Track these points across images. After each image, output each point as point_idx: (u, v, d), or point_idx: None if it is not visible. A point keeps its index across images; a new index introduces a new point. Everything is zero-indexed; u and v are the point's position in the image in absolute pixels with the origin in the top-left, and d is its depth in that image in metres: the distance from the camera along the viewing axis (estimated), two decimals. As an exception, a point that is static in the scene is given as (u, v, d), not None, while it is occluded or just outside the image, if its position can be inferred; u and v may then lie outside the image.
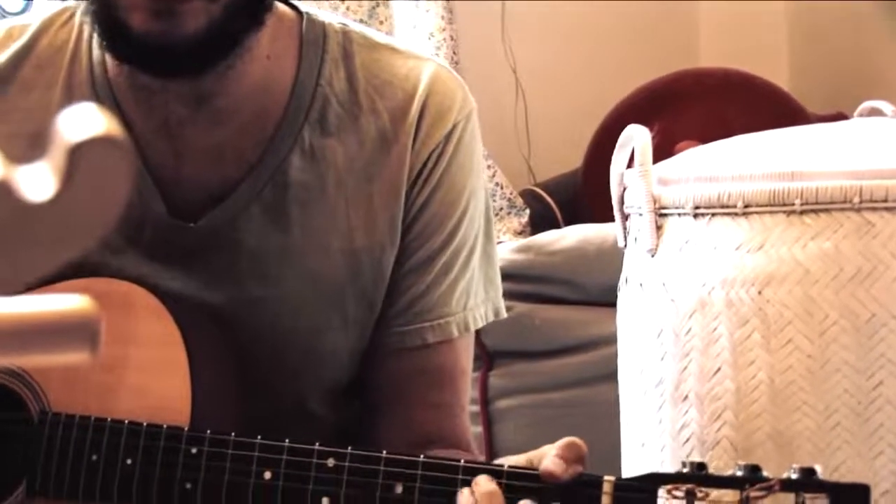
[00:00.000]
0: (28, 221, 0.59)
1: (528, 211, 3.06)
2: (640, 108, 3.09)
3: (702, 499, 1.01)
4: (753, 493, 0.99)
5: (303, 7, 1.36)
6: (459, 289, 1.37)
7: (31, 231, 0.59)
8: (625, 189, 1.64)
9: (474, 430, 2.43)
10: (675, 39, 3.72)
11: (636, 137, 1.57)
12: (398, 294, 1.35)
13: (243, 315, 1.31)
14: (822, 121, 2.54)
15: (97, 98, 1.30)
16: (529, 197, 3.13)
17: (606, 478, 1.08)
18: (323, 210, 1.32)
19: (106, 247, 1.30)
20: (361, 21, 3.07)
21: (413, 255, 1.34)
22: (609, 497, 1.08)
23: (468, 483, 1.11)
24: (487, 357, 2.51)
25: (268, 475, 1.17)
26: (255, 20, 1.25)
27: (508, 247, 2.49)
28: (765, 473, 1.01)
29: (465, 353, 1.39)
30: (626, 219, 1.65)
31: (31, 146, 0.65)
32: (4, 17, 2.94)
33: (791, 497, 0.99)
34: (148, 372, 1.24)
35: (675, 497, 1.02)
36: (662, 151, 1.69)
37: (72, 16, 1.35)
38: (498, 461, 1.13)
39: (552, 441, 1.15)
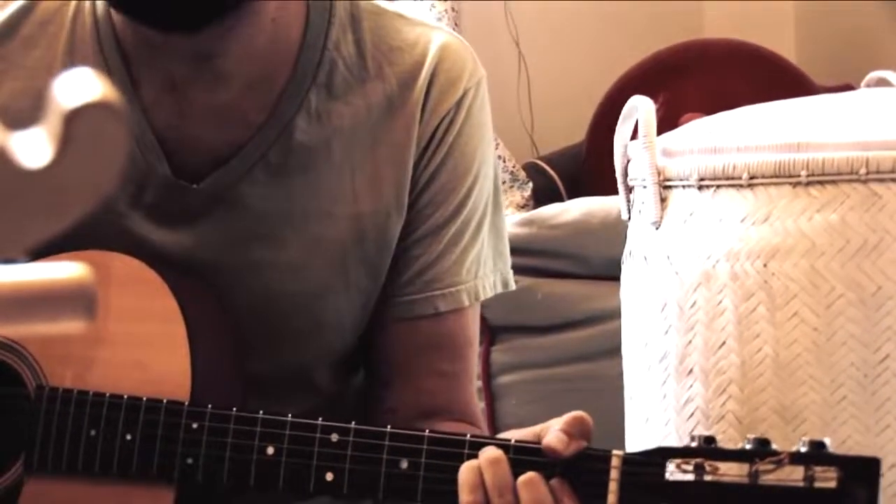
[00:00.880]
0: (24, 188, 0.59)
1: (530, 184, 3.06)
2: (644, 80, 3.09)
3: (710, 472, 1.01)
4: (762, 467, 1.00)
5: (309, -27, 1.37)
6: (470, 258, 1.37)
7: (27, 197, 0.60)
8: (628, 161, 1.64)
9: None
10: (680, 10, 3.72)
11: (640, 108, 1.57)
12: (408, 263, 1.36)
13: (246, 278, 1.32)
14: (829, 92, 2.54)
15: (102, 53, 1.31)
16: (532, 170, 3.13)
17: (615, 452, 1.09)
18: (328, 174, 1.32)
19: (108, 208, 1.30)
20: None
21: (423, 223, 1.35)
22: (617, 471, 1.08)
23: (474, 458, 1.12)
24: (489, 332, 2.51)
25: (270, 450, 1.18)
26: None
27: (511, 220, 2.49)
28: (773, 447, 1.01)
29: (474, 324, 1.40)
30: (630, 191, 1.65)
31: (37, 103, 0.65)
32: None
33: (800, 470, 0.99)
34: (147, 347, 1.24)
35: (684, 471, 1.03)
36: (667, 124, 1.70)
37: None
38: (504, 435, 1.14)
39: (555, 417, 1.16)
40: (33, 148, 0.60)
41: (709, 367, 1.52)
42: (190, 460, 1.20)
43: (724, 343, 1.51)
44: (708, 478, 1.02)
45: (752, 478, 1.00)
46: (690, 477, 1.02)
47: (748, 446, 1.02)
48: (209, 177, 1.31)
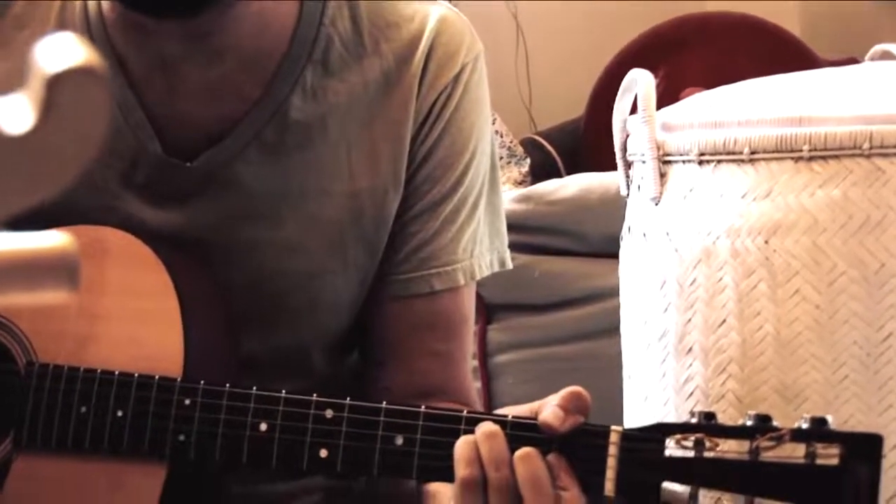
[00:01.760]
0: (6, 154, 0.60)
1: (528, 160, 3.06)
2: (644, 54, 3.09)
3: (710, 449, 1.02)
4: (763, 444, 1.00)
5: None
6: (466, 236, 1.38)
7: (9, 164, 0.60)
8: (628, 136, 1.64)
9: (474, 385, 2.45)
10: (681, -18, 3.72)
11: (640, 82, 1.58)
12: (403, 240, 1.36)
13: (240, 258, 1.32)
14: (832, 66, 2.54)
15: (90, 34, 1.31)
16: (530, 145, 3.14)
17: (613, 428, 1.10)
18: (323, 152, 1.33)
19: (99, 188, 1.31)
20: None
21: (419, 200, 1.36)
22: (616, 447, 1.09)
23: (471, 434, 1.12)
24: (486, 310, 2.52)
25: (264, 427, 1.19)
26: None
27: (508, 196, 2.49)
28: (774, 423, 1.02)
29: (469, 303, 1.41)
30: (629, 166, 1.66)
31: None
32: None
33: (801, 447, 1.00)
34: (139, 322, 1.25)
35: (684, 447, 1.03)
36: (667, 98, 1.70)
37: None
38: (501, 411, 1.14)
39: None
40: (15, 114, 0.60)
41: (709, 346, 1.52)
42: (182, 437, 1.20)
43: (724, 321, 1.52)
44: (708, 454, 1.03)
45: (752, 454, 1.01)
46: (690, 453, 1.03)
47: (749, 423, 1.02)
48: (202, 155, 1.32)
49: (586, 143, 3.10)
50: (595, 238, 2.42)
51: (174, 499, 1.22)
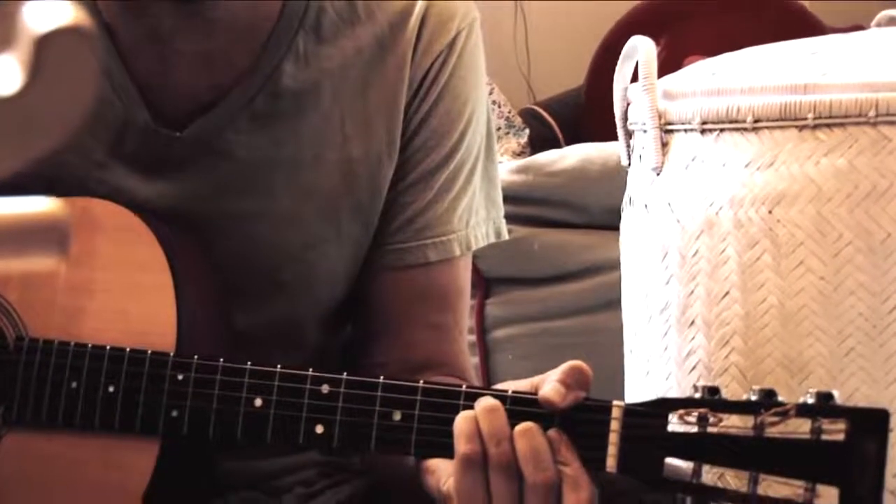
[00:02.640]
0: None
1: (527, 131, 3.06)
2: (645, 22, 3.09)
3: (714, 424, 1.02)
4: (768, 419, 1.00)
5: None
6: (461, 206, 1.38)
7: None
8: (628, 104, 1.64)
9: (471, 361, 2.45)
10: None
11: (641, 49, 1.57)
12: (398, 210, 1.37)
13: (232, 229, 1.32)
14: (838, 33, 2.54)
15: (77, 2, 1.31)
16: (529, 116, 3.13)
17: (615, 403, 1.10)
18: (316, 120, 1.33)
19: (88, 159, 1.31)
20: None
21: (413, 169, 1.36)
22: (618, 423, 1.09)
23: (469, 410, 1.13)
24: (484, 284, 2.52)
25: (258, 402, 1.19)
26: None
27: (506, 167, 2.49)
28: (779, 398, 1.02)
29: (465, 275, 1.41)
30: (630, 136, 1.66)
31: None
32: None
33: (807, 422, 1.00)
34: (131, 296, 1.25)
35: (687, 423, 1.03)
36: (669, 68, 1.70)
37: None
38: (500, 386, 1.14)
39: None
40: (4, 75, 0.60)
41: (711, 319, 1.53)
42: (175, 413, 1.20)
43: (727, 293, 1.52)
44: (712, 430, 1.02)
45: (757, 430, 1.01)
46: (693, 429, 1.03)
47: (753, 397, 1.02)
48: (193, 124, 1.32)
49: (586, 113, 3.10)
50: (595, 209, 2.42)
51: (167, 476, 1.22)
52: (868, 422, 1.01)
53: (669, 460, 1.05)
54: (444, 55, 1.36)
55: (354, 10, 1.34)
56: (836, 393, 1.01)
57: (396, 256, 1.37)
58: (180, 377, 1.20)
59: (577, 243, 2.46)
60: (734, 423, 1.02)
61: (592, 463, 1.09)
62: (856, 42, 1.62)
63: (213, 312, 1.29)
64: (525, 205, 2.46)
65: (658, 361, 1.59)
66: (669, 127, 1.57)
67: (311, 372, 1.18)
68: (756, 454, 1.01)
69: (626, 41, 1.63)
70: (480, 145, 1.40)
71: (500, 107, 3.02)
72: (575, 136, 2.95)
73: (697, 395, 1.04)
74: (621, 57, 1.64)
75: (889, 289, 1.46)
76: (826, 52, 1.58)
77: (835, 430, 0.99)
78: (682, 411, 1.03)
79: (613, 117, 1.67)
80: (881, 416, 1.01)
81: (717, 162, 1.52)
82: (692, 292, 1.54)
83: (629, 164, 1.66)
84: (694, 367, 1.55)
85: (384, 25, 1.34)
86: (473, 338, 2.48)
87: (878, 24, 1.73)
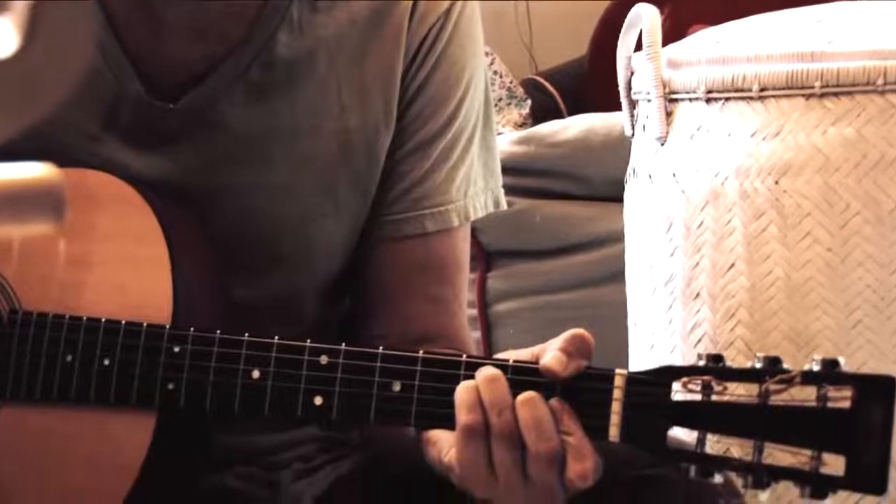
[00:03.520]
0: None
1: (529, 101, 3.05)
2: (649, -10, 3.08)
3: (718, 393, 1.02)
4: (773, 386, 1.00)
5: None
6: (459, 176, 1.38)
7: None
8: (632, 74, 1.64)
9: (472, 336, 2.45)
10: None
11: (644, 17, 1.57)
12: (395, 180, 1.37)
13: (228, 202, 1.32)
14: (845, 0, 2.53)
15: None
16: (531, 86, 3.13)
17: (618, 371, 1.10)
18: (312, 89, 1.33)
19: (82, 133, 1.31)
20: None
21: (411, 139, 1.36)
22: (621, 392, 1.09)
23: (470, 380, 1.13)
24: (485, 257, 2.52)
25: (256, 374, 1.18)
26: None
27: (508, 138, 2.49)
28: (785, 366, 1.02)
29: (463, 246, 1.41)
30: (634, 106, 1.66)
31: None
32: None
33: (812, 390, 1.00)
34: (127, 268, 1.24)
35: (691, 391, 1.03)
36: (673, 37, 1.70)
37: None
38: (501, 355, 1.14)
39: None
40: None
41: (717, 291, 1.53)
42: (171, 386, 1.20)
43: (732, 265, 1.52)
44: (716, 398, 1.02)
45: (762, 398, 1.01)
46: (697, 397, 1.03)
47: (758, 365, 1.02)
48: (186, 96, 1.32)
49: (589, 83, 3.09)
50: (598, 181, 2.42)
51: (164, 449, 1.22)
52: (875, 389, 1.01)
53: (673, 429, 1.05)
54: (441, 23, 1.36)
55: None
56: (842, 360, 1.01)
57: (394, 227, 1.37)
58: (176, 349, 1.20)
59: (580, 215, 2.46)
60: (739, 392, 1.02)
61: (595, 432, 1.09)
62: (863, 9, 1.62)
63: (210, 285, 1.29)
64: (527, 176, 2.45)
65: (663, 335, 1.60)
66: (674, 96, 1.57)
67: (309, 343, 1.18)
68: (761, 423, 1.01)
69: (629, 10, 1.63)
70: (478, 114, 1.40)
71: (501, 77, 3.02)
72: (578, 106, 2.94)
73: (701, 363, 1.04)
74: (625, 26, 1.64)
75: (897, 260, 1.47)
76: (833, 19, 1.58)
77: (841, 398, 0.99)
78: (685, 379, 1.03)
79: (617, 87, 1.67)
80: (888, 382, 1.01)
81: (723, 131, 1.52)
82: (697, 264, 1.55)
83: (633, 135, 1.67)
84: (699, 341, 1.55)
85: None
86: (475, 312, 2.48)
87: (886, -9, 1.72)
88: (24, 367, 1.23)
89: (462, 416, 1.10)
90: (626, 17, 1.63)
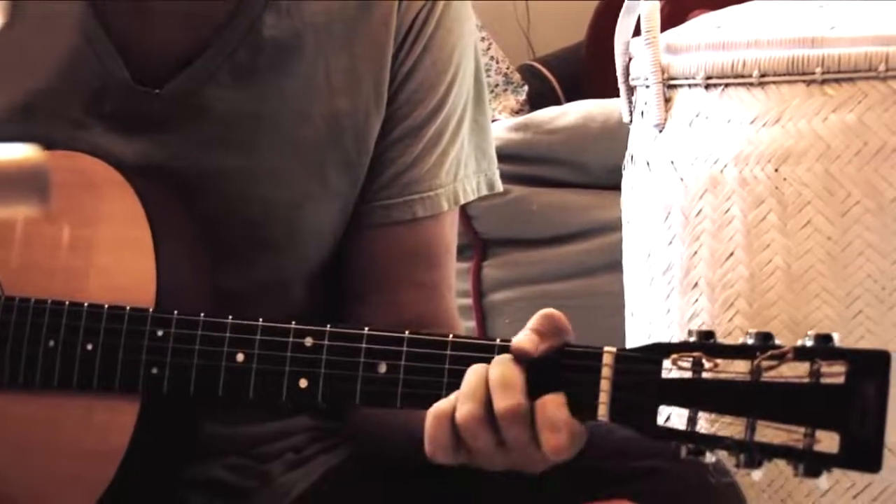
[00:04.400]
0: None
1: (526, 87, 3.05)
2: (649, -24, 3.08)
3: (710, 370, 1.02)
4: (765, 363, 1.00)
5: None
6: (449, 160, 1.39)
7: None
8: (630, 59, 1.64)
9: (467, 326, 2.45)
10: None
11: (643, 2, 1.57)
12: (385, 166, 1.37)
13: (216, 187, 1.32)
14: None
15: None
16: (528, 72, 3.13)
17: (607, 349, 1.09)
18: (300, 72, 1.33)
19: (67, 119, 1.31)
20: None
21: (400, 123, 1.36)
22: (610, 369, 1.09)
23: (457, 360, 1.13)
24: (481, 246, 2.52)
25: (240, 357, 1.19)
26: None
27: (504, 125, 2.49)
28: (777, 341, 1.02)
29: (452, 230, 1.41)
30: (632, 92, 1.66)
31: None
32: None
33: (805, 366, 1.00)
34: (109, 251, 1.25)
35: (681, 368, 1.03)
36: (672, 22, 1.70)
37: None
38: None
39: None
40: None
41: (715, 280, 1.53)
42: (155, 370, 1.20)
43: (731, 254, 1.52)
44: (707, 375, 1.02)
45: (754, 375, 1.00)
46: (688, 375, 1.03)
47: (750, 341, 1.02)
48: (172, 80, 1.32)
49: (587, 69, 3.09)
50: (596, 168, 2.41)
51: (149, 436, 1.22)
52: (869, 363, 1.00)
53: (663, 408, 1.04)
54: (429, 6, 1.36)
55: None
56: (835, 335, 1.01)
57: (383, 213, 1.37)
58: (160, 333, 1.20)
59: (578, 203, 2.45)
60: (730, 368, 1.01)
61: (584, 411, 1.08)
62: (866, -6, 1.62)
63: (196, 271, 1.29)
64: (523, 164, 2.45)
65: (660, 325, 1.59)
66: (673, 82, 1.57)
67: (293, 325, 1.18)
68: (753, 400, 1.01)
69: (627, -5, 1.63)
70: (468, 96, 1.40)
71: (498, 63, 3.02)
72: (575, 92, 2.94)
73: (692, 340, 1.03)
74: (623, 11, 1.64)
75: (899, 249, 1.46)
76: (834, 4, 1.58)
77: (834, 373, 0.99)
78: (675, 356, 1.02)
79: (615, 73, 1.67)
80: (882, 357, 1.00)
81: (722, 118, 1.52)
82: (695, 253, 1.55)
83: (631, 121, 1.66)
84: (697, 331, 1.55)
85: None
86: (470, 301, 2.48)
87: (890, -23, 1.72)
88: (6, 354, 1.24)
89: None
90: (622, 2, 1.63)
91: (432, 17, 1.36)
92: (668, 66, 1.57)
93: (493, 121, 2.57)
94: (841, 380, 0.99)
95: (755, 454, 1.01)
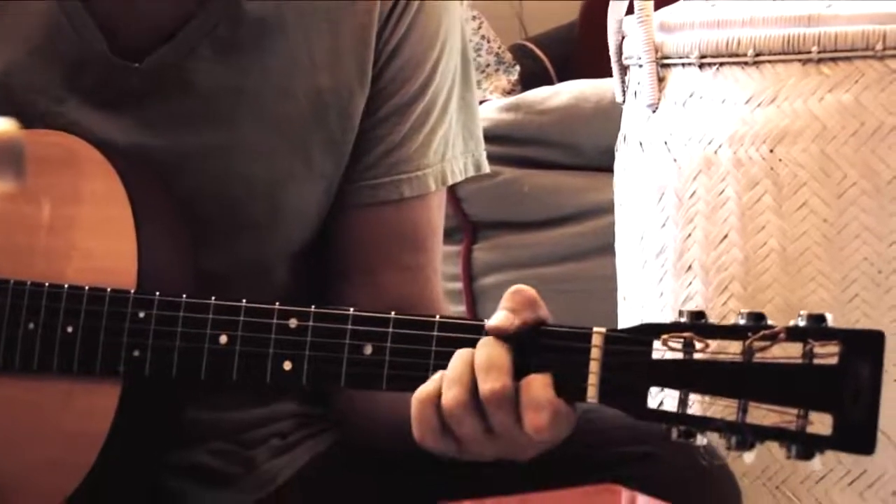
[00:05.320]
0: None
1: (517, 67, 3.05)
2: (644, -47, 3.08)
3: (701, 350, 1.02)
4: (757, 343, 1.00)
5: None
6: (437, 139, 1.38)
7: None
8: (623, 38, 1.64)
9: (457, 310, 2.45)
10: None
11: (636, -21, 1.57)
12: (372, 144, 1.37)
13: (196, 165, 1.32)
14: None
15: None
16: (519, 52, 3.13)
17: (596, 330, 1.09)
18: (283, 48, 1.33)
19: (45, 94, 1.31)
20: None
21: (387, 102, 1.36)
22: (599, 350, 1.09)
23: (444, 341, 1.14)
24: (471, 229, 2.52)
25: (224, 339, 1.19)
26: None
27: (495, 105, 2.48)
28: (769, 322, 1.01)
29: (439, 212, 1.41)
30: (625, 71, 1.65)
31: None
32: None
33: (798, 346, 1.00)
34: (90, 232, 1.24)
35: (672, 349, 1.03)
36: (667, 0, 1.69)
37: None
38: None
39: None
40: None
41: (709, 263, 1.53)
42: (137, 352, 1.20)
43: (726, 236, 1.52)
44: (698, 356, 1.02)
45: (746, 355, 1.00)
46: (679, 355, 1.02)
47: (741, 321, 1.02)
48: (152, 54, 1.32)
49: (579, 48, 3.09)
50: (588, 149, 2.42)
51: (130, 419, 1.22)
52: (862, 344, 1.00)
53: (654, 390, 1.04)
54: None
55: None
56: (829, 315, 1.01)
57: (369, 193, 1.37)
58: (142, 315, 1.20)
59: (570, 185, 2.45)
60: (722, 349, 1.01)
61: (572, 393, 1.08)
62: (863, -28, 1.61)
63: (177, 251, 1.29)
64: (515, 145, 2.45)
65: (653, 308, 1.59)
66: (666, 61, 1.57)
67: (277, 306, 1.17)
68: (745, 381, 1.01)
69: (621, -27, 1.63)
70: (455, 74, 1.40)
71: (489, 42, 3.02)
72: (568, 72, 2.94)
73: (683, 320, 1.03)
74: (616, -12, 1.63)
75: (896, 232, 1.46)
76: (832, -19, 1.58)
77: (827, 354, 0.99)
78: (666, 336, 1.02)
79: (608, 52, 1.67)
80: (876, 337, 1.00)
81: (717, 98, 1.52)
82: (689, 236, 1.54)
83: (624, 101, 1.66)
84: (691, 315, 1.54)
85: None
86: (460, 285, 2.48)
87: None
88: None
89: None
90: (616, -20, 1.63)
91: None
92: (661, 44, 1.57)
93: (484, 101, 2.57)
94: (834, 360, 0.99)
95: (747, 436, 1.01)
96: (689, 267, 1.55)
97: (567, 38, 3.17)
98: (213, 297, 1.19)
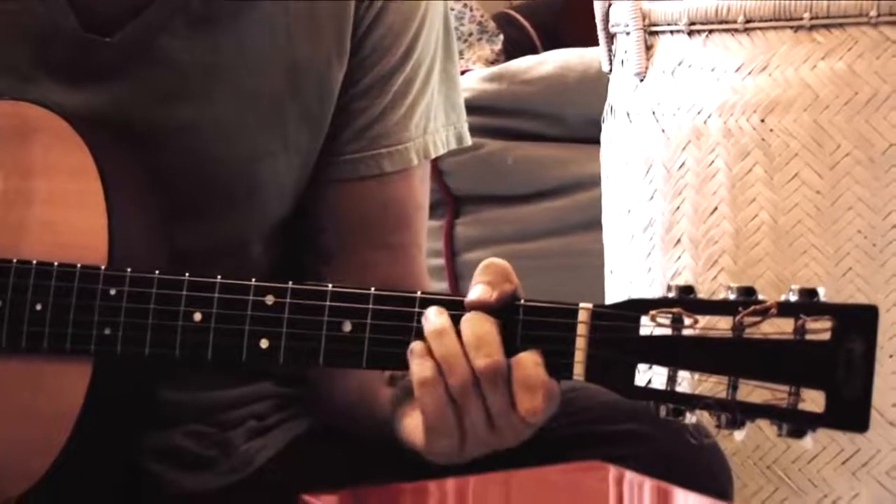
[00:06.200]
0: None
1: (501, 36, 3.06)
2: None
3: (690, 326, 1.01)
4: (747, 319, 0.99)
5: None
6: (418, 112, 1.38)
7: None
8: (610, 5, 1.64)
9: (439, 287, 2.45)
10: None
11: (623, -57, 1.57)
12: (351, 117, 1.36)
13: (170, 141, 1.31)
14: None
15: None
16: (503, 21, 3.13)
17: (582, 305, 1.09)
18: (258, 20, 1.32)
19: (13, 72, 1.30)
20: None
21: (367, 74, 1.35)
22: (585, 326, 1.08)
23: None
24: (453, 203, 2.51)
25: (198, 316, 1.18)
26: None
27: (478, 75, 2.48)
28: (760, 297, 1.01)
29: (422, 186, 1.41)
30: (612, 39, 1.65)
31: None
32: None
33: (790, 322, 0.99)
34: (59, 205, 1.23)
35: (660, 325, 1.02)
36: (656, -33, 1.69)
37: None
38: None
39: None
40: None
41: (699, 237, 1.53)
42: (108, 330, 1.19)
43: (715, 209, 1.52)
44: (687, 332, 1.02)
45: (736, 331, 1.00)
46: (668, 332, 1.02)
47: (731, 296, 1.01)
48: (124, 29, 1.31)
49: (565, 16, 3.09)
50: (574, 121, 2.42)
51: (102, 398, 1.21)
52: (855, 319, 1.00)
53: (642, 366, 1.04)
54: None
55: None
56: (821, 289, 1.00)
57: (350, 168, 1.36)
58: (113, 292, 1.19)
59: (555, 157, 2.45)
60: (711, 324, 1.01)
61: (559, 371, 1.08)
62: (856, -65, 1.61)
63: (150, 228, 1.28)
64: (498, 116, 2.45)
65: (641, 283, 1.59)
66: (654, 28, 1.57)
67: (253, 282, 1.17)
68: (735, 357, 1.01)
69: (608, -62, 1.62)
70: (437, 44, 1.39)
71: (472, 11, 3.02)
72: (553, 41, 2.94)
73: (671, 295, 1.03)
74: (602, -47, 1.63)
75: (890, 204, 1.46)
76: (824, -55, 1.57)
77: (820, 329, 0.98)
78: (654, 312, 1.02)
79: (594, 20, 1.66)
80: (869, 312, 1.00)
81: (706, 66, 1.52)
82: (678, 208, 1.54)
83: (611, 70, 1.66)
84: (680, 290, 1.55)
85: None
86: (442, 262, 2.48)
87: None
88: None
89: (415, 367, 1.10)
90: (603, -54, 1.62)
91: None
92: (649, 11, 1.57)
93: (466, 71, 2.56)
94: (826, 336, 0.98)
95: (737, 414, 1.00)
96: (678, 241, 1.55)
97: (552, 6, 3.17)
98: (187, 274, 1.18)
